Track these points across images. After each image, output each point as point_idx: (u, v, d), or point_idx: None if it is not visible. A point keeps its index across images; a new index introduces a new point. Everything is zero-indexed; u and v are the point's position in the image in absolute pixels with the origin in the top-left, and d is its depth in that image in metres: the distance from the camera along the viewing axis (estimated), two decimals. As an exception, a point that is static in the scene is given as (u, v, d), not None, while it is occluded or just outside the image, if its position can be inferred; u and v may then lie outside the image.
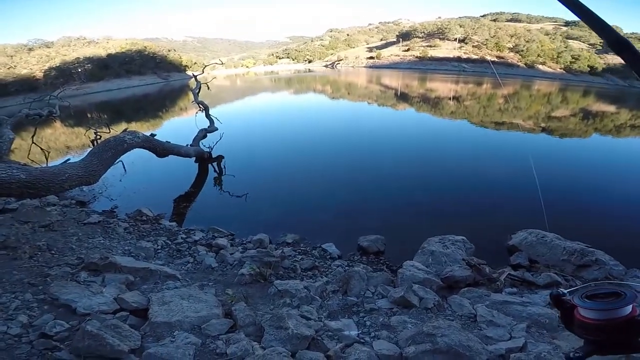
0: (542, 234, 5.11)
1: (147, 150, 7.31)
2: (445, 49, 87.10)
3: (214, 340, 2.50)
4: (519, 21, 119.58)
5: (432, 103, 26.20)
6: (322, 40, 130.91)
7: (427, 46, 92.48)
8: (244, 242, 5.17)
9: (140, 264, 3.71)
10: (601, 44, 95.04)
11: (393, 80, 50.72)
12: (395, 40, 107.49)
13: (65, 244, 4.18)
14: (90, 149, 6.23)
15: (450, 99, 29.82)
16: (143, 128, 15.88)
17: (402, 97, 31.00)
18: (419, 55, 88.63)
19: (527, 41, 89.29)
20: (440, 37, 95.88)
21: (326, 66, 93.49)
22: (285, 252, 4.73)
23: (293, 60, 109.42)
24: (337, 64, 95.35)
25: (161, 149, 7.48)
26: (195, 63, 74.30)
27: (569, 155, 12.15)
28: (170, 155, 7.90)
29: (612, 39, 0.59)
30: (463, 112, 22.07)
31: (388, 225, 5.76)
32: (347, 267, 4.33)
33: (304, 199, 7.21)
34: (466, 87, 41.87)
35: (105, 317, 2.49)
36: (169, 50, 72.42)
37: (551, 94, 38.96)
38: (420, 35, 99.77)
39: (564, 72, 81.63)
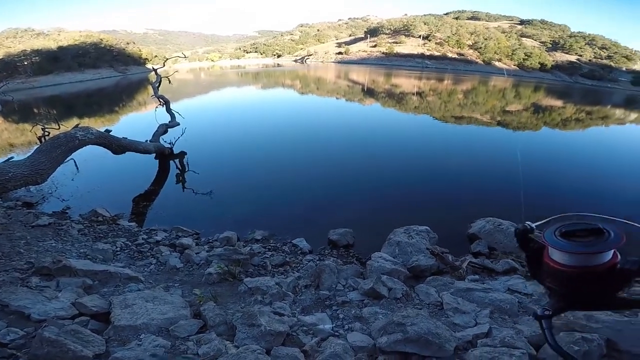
0: (499, 221, 5.38)
1: (102, 147, 6.89)
2: (410, 46, 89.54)
3: (184, 342, 2.43)
4: (479, 19, 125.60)
5: (397, 98, 26.87)
6: (292, 35, 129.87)
7: (393, 42, 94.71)
8: (211, 240, 5.03)
9: (98, 266, 3.51)
10: (551, 42, 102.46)
11: (360, 75, 51.39)
12: (363, 36, 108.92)
13: (12, 248, 3.86)
14: (37, 146, 5.75)
15: (414, 94, 30.75)
16: (97, 124, 14.89)
17: (369, 92, 31.51)
18: (385, 51, 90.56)
19: (486, 39, 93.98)
20: (406, 33, 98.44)
21: (295, 61, 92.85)
22: (255, 249, 4.67)
23: (261, 54, 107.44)
24: (307, 58, 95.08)
25: (117, 146, 7.07)
26: (156, 56, 70.82)
27: (524, 147, 12.94)
28: (127, 152, 7.50)
29: None
30: (426, 107, 22.86)
31: (356, 218, 5.86)
32: (318, 262, 4.31)
33: (272, 195, 7.14)
34: (429, 82, 43.36)
35: (63, 322, 2.37)
36: (128, 43, 68.35)
37: (506, 90, 41.33)
38: (387, 32, 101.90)
39: (518, 68, 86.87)
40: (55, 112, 20.65)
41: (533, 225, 0.52)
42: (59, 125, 7.98)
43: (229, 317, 2.73)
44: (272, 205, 6.65)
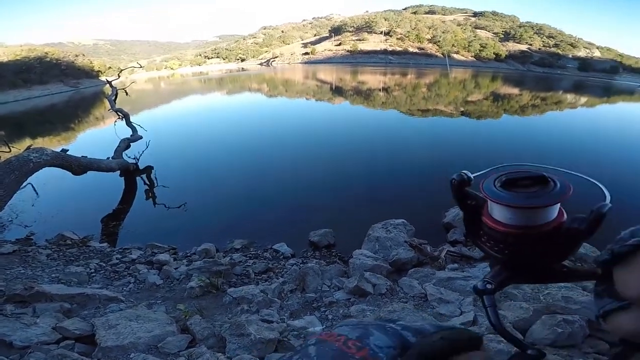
0: None
1: (60, 169, 6.50)
2: (373, 42, 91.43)
3: (175, 358, 2.43)
4: (435, 13, 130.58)
5: (364, 95, 27.34)
6: (255, 38, 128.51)
7: (357, 40, 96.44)
8: (189, 254, 4.92)
9: (73, 290, 3.43)
10: (503, 32, 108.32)
11: (328, 75, 51.84)
12: (328, 35, 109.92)
13: (-22, 278, 3.61)
14: (-13, 173, 5.31)
15: (380, 90, 31.40)
16: (52, 143, 13.98)
17: (338, 91, 31.85)
18: (350, 49, 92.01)
19: (443, 32, 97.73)
20: (368, 30, 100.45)
21: (261, 64, 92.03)
22: (235, 258, 4.61)
23: (224, 59, 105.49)
24: (273, 61, 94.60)
25: (77, 166, 6.68)
26: (109, 68, 67.46)
27: (488, 134, 13.57)
28: (89, 172, 7.11)
29: None
30: (393, 103, 23.42)
31: (335, 218, 5.88)
32: (301, 265, 4.31)
33: (247, 203, 7.02)
34: (393, 78, 44.48)
35: (48, 347, 2.36)
36: (77, 55, 64.54)
37: (465, 80, 43.13)
38: (351, 30, 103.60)
39: (475, 59, 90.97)
40: (3, 133, 19.15)
41: (471, 175, 0.43)
42: (9, 148, 7.44)
43: (217, 329, 2.72)
44: (248, 212, 6.54)
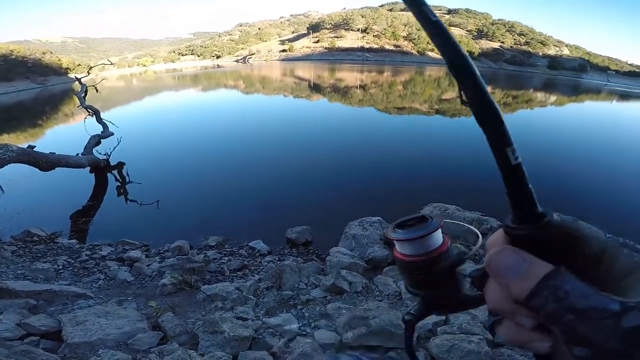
0: (445, 206, 5.62)
1: (27, 165, 6.26)
2: (350, 39, 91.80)
3: (145, 355, 2.39)
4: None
5: (341, 92, 27.52)
6: (231, 35, 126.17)
7: (335, 37, 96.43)
8: (161, 251, 4.86)
9: (40, 286, 3.34)
10: (476, 30, 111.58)
11: (306, 72, 51.69)
12: (306, 32, 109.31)
13: (-62, 276, 3.47)
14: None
15: (357, 87, 31.68)
16: (19, 140, 13.29)
17: (316, 88, 31.85)
18: (327, 46, 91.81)
19: (418, 29, 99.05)
20: (346, 27, 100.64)
21: (237, 61, 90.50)
22: (210, 255, 4.59)
23: (199, 56, 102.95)
24: (249, 58, 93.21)
25: (45, 162, 6.46)
26: (79, 65, 64.54)
27: (460, 134, 13.99)
28: (58, 168, 6.88)
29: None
30: (369, 100, 23.72)
31: (313, 215, 5.93)
32: (278, 262, 4.28)
33: (222, 199, 7.00)
34: (370, 75, 44.98)
35: (11, 343, 2.30)
36: (44, 53, 61.41)
37: (440, 78, 44.16)
38: (328, 27, 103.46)
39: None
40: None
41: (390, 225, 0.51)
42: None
43: (189, 327, 2.71)
44: (223, 210, 6.52)
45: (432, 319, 2.71)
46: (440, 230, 0.42)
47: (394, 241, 0.43)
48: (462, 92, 0.31)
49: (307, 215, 5.82)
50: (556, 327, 0.26)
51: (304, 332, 2.68)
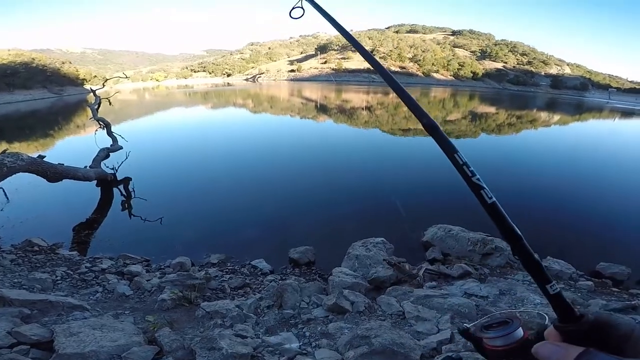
0: (449, 227, 5.63)
1: (35, 175, 6.36)
2: (357, 61, 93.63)
3: None
4: (417, 32, 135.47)
5: (347, 114, 27.85)
6: (242, 53, 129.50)
7: (342, 58, 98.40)
8: (162, 267, 4.86)
9: (36, 296, 3.31)
10: (480, 51, 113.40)
11: (313, 92, 52.61)
12: (314, 53, 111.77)
13: None
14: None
15: (363, 109, 32.05)
16: (30, 149, 13.61)
17: (322, 109, 32.30)
18: (335, 67, 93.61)
19: (424, 51, 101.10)
20: (353, 49, 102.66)
21: (247, 80, 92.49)
22: (211, 272, 4.56)
23: (210, 73, 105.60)
24: (259, 77, 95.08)
25: (53, 173, 6.57)
26: (95, 76, 66.68)
27: (464, 155, 13.99)
28: (65, 180, 6.98)
29: (425, 123, 0.63)
30: (375, 122, 23.97)
31: (316, 235, 5.94)
32: (279, 281, 4.25)
33: (226, 218, 7.01)
34: (376, 97, 45.57)
35: (0, 351, 2.28)
36: (63, 63, 63.62)
37: (445, 100, 44.68)
38: (336, 48, 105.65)
39: (454, 78, 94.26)
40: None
41: (468, 325, 0.61)
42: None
43: (187, 342, 2.67)
44: (227, 228, 6.53)
45: (436, 337, 2.72)
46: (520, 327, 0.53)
47: (485, 339, 0.55)
48: None
49: (310, 236, 5.83)
50: None
51: (305, 352, 2.65)
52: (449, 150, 0.63)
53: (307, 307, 3.50)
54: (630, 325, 0.42)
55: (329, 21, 0.95)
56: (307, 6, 0.98)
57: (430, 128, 0.64)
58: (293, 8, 1.01)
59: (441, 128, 0.62)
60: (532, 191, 8.96)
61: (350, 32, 0.94)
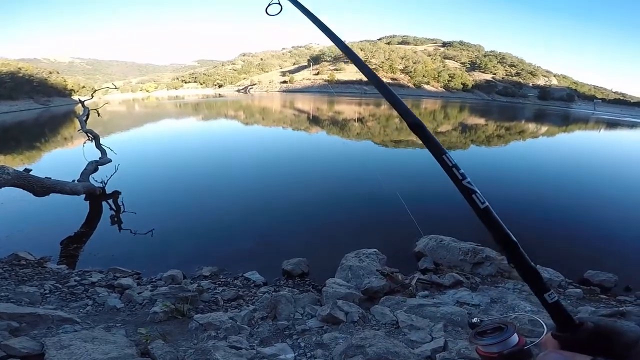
0: (440, 238, 5.76)
1: (21, 189, 6.24)
2: (349, 72, 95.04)
3: None
4: (408, 43, 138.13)
5: (340, 125, 28.04)
6: (234, 64, 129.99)
7: (334, 70, 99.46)
8: (154, 280, 4.81)
9: (24, 309, 3.23)
10: (470, 62, 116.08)
11: (305, 104, 53.04)
12: (306, 64, 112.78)
13: None
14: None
15: (355, 120, 32.39)
16: (15, 162, 13.32)
17: (315, 120, 32.51)
18: (327, 79, 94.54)
19: (415, 62, 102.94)
20: (345, 60, 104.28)
21: (238, 91, 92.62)
22: (203, 285, 4.52)
23: (201, 84, 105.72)
24: (251, 88, 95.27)
25: (39, 187, 6.45)
26: (83, 87, 66.11)
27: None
28: (52, 194, 6.86)
29: (410, 121, 0.60)
30: (367, 133, 24.20)
31: (309, 247, 5.98)
32: (273, 293, 4.27)
33: (218, 230, 6.96)
34: (368, 108, 46.17)
35: None
36: (51, 73, 62.81)
37: (435, 111, 45.46)
38: (328, 59, 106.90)
39: (444, 90, 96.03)
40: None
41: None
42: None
43: (180, 354, 2.64)
44: (219, 240, 6.48)
45: (430, 345, 2.75)
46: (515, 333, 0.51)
47: (479, 346, 0.53)
48: None
49: (304, 247, 5.86)
50: None
51: (300, 362, 2.63)
52: (437, 152, 0.59)
53: (301, 318, 3.51)
54: (636, 333, 0.41)
55: (309, 18, 0.91)
56: (286, 3, 0.96)
57: (416, 127, 0.61)
58: (269, 4, 1.00)
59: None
60: (521, 200, 9.16)
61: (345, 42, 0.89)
